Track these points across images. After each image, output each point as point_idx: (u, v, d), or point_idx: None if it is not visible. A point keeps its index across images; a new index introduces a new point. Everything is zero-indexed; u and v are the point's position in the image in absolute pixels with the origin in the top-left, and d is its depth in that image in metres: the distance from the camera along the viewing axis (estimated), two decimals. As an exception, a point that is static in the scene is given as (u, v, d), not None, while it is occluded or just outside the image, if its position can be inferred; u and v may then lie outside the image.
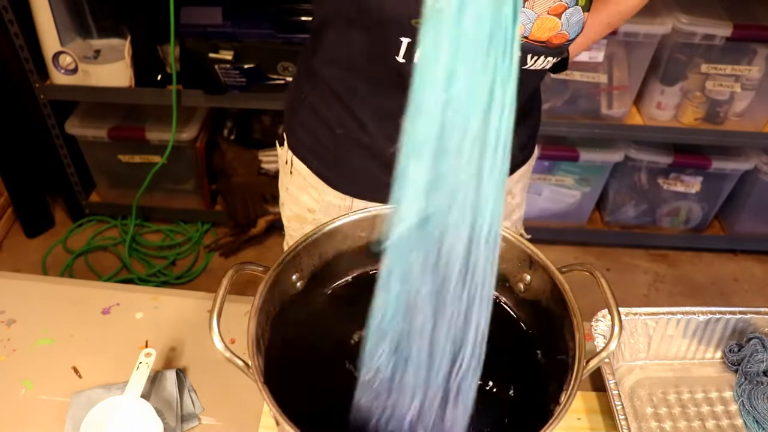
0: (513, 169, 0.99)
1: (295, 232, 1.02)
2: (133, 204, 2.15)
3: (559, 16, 0.72)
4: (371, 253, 0.76)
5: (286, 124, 0.96)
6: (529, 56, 0.77)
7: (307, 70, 0.88)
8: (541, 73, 0.83)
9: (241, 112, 2.21)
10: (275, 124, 2.22)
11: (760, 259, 2.28)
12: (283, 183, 1.01)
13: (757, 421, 0.84)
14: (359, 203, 0.92)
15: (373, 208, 0.74)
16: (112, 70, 1.87)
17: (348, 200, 0.93)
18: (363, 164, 0.88)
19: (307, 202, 0.96)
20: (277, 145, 1.00)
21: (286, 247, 1.04)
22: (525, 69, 0.78)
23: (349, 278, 0.78)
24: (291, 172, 0.97)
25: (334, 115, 0.86)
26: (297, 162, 0.95)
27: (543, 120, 1.02)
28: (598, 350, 0.63)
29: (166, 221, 2.27)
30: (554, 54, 0.77)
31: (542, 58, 0.77)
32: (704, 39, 1.76)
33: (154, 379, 0.83)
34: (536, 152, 1.06)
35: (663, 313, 0.89)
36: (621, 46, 1.83)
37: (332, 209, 0.94)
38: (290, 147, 0.95)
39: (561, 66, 0.86)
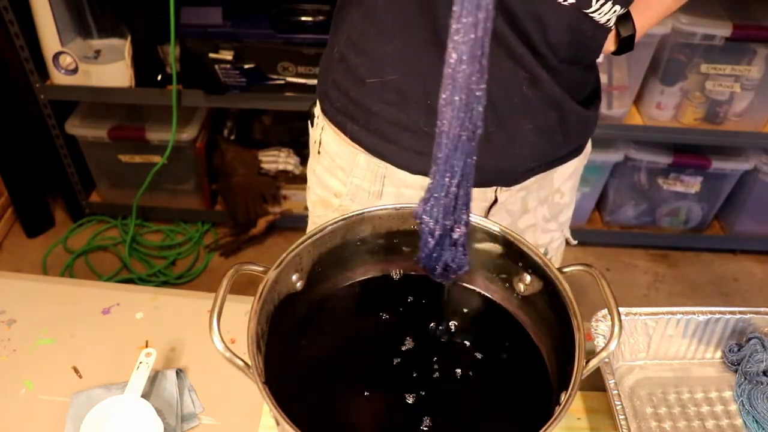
0: (564, 158, 0.93)
1: (318, 218, 0.97)
2: (134, 204, 2.15)
3: None
4: (371, 253, 0.77)
5: (320, 91, 0.91)
6: None
7: (339, 21, 0.85)
8: (602, 35, 0.78)
9: (241, 112, 2.22)
10: (275, 124, 2.22)
11: (760, 259, 2.28)
12: (311, 165, 0.98)
13: (756, 421, 0.84)
14: (389, 189, 0.88)
15: (377, 207, 0.74)
16: (113, 70, 1.87)
17: (377, 184, 0.88)
18: (393, 114, 0.83)
19: (334, 186, 0.93)
20: (309, 125, 0.96)
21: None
22: (590, 17, 0.73)
23: (349, 278, 0.78)
24: (319, 152, 0.94)
25: (364, 61, 0.81)
26: (326, 141, 0.91)
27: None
28: (598, 350, 0.63)
29: (166, 221, 2.28)
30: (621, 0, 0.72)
31: (609, 4, 0.72)
32: (704, 39, 1.76)
33: (154, 379, 0.83)
34: (589, 147, 0.99)
35: (663, 313, 0.89)
36: (621, 46, 1.83)
37: (360, 194, 0.90)
38: (324, 113, 0.90)
39: (628, 44, 0.81)
